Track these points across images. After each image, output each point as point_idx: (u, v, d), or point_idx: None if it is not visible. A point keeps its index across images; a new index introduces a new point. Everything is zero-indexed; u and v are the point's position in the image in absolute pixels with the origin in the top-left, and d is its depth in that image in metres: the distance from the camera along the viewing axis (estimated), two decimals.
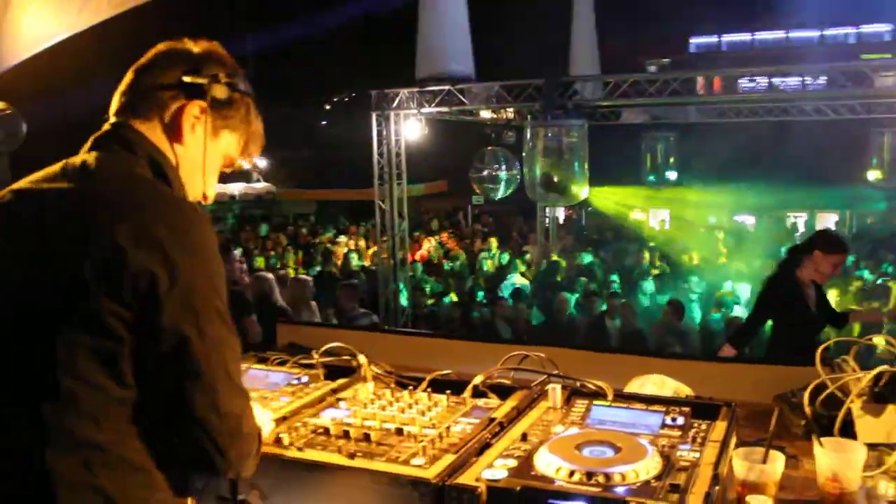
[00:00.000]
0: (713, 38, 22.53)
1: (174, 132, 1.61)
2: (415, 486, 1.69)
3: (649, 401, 2.13)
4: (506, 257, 13.11)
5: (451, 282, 11.23)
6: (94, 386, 1.40)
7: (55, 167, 1.57)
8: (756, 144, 16.06)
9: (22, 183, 1.58)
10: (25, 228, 1.50)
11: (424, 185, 19.35)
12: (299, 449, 1.90)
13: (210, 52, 1.65)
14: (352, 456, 1.83)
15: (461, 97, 9.66)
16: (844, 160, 15.03)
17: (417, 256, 13.79)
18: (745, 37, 22.03)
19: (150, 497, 1.48)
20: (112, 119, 1.62)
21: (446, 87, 9.59)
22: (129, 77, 1.63)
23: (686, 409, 2.04)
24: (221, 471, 1.52)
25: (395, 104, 10.06)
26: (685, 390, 2.38)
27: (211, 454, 1.47)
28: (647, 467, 1.67)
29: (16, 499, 1.41)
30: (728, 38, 22.39)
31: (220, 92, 1.63)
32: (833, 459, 1.80)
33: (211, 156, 1.68)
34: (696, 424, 1.97)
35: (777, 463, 1.79)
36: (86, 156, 1.57)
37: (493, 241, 14.33)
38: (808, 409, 2.12)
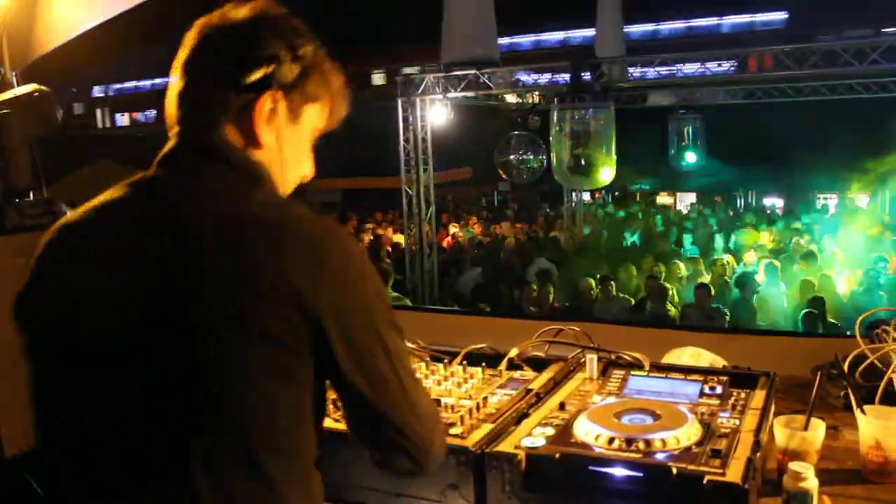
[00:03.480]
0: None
1: (251, 136, 1.36)
2: (453, 455, 1.69)
3: (687, 371, 2.12)
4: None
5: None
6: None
7: (123, 190, 1.35)
8: (784, 126, 15.85)
9: (87, 211, 1.35)
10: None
11: (450, 172, 19.33)
12: (336, 420, 1.91)
13: (261, 22, 1.35)
14: None
15: (487, 81, 9.63)
16: (876, 140, 14.77)
17: (444, 243, 13.79)
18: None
19: None
20: (178, 130, 1.38)
21: (472, 72, 9.57)
22: (181, 79, 1.37)
23: (724, 378, 2.03)
24: (427, 471, 1.44)
25: (420, 89, 10.05)
26: (721, 363, 2.36)
27: (418, 459, 1.39)
28: (688, 434, 1.66)
29: None
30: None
31: (289, 73, 1.35)
32: (876, 427, 1.78)
33: (300, 141, 1.45)
34: (734, 393, 1.96)
35: (818, 430, 1.78)
36: (171, 175, 1.35)
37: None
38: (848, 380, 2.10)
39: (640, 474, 1.56)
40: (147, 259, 1.25)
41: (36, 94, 2.75)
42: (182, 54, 1.37)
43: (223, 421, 1.23)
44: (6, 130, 2.45)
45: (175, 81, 1.38)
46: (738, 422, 1.78)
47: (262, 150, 1.38)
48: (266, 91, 1.34)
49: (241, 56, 1.33)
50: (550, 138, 10.23)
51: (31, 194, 2.78)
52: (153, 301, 1.23)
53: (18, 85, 2.95)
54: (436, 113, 10.60)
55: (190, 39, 1.37)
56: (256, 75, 1.33)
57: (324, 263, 1.26)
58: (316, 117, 1.46)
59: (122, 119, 32.09)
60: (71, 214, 1.37)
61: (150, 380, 1.23)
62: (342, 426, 1.87)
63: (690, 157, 16.56)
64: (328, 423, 1.90)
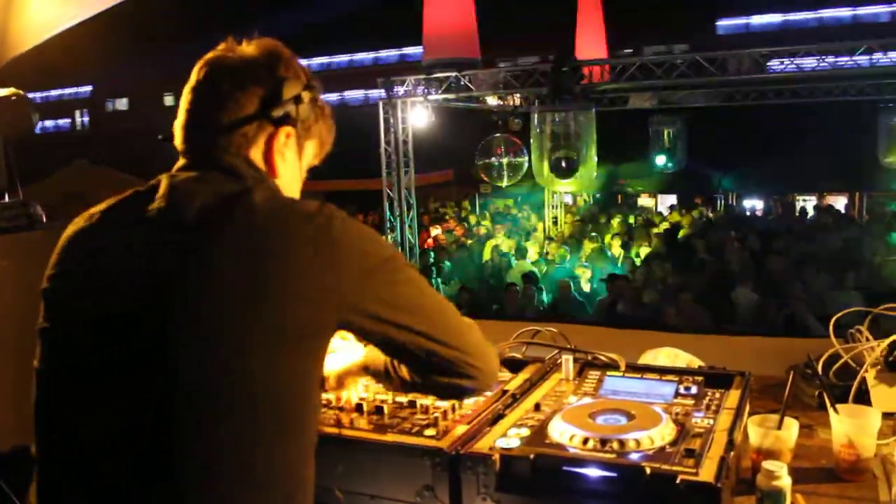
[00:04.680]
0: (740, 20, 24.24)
1: (269, 164, 1.47)
2: (428, 456, 1.69)
3: (662, 371, 2.12)
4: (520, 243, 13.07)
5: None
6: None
7: (135, 200, 1.40)
8: (764, 128, 15.98)
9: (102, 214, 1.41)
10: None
11: (431, 174, 19.31)
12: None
13: (279, 63, 1.46)
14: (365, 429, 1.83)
15: (468, 83, 9.63)
16: (853, 142, 14.90)
17: (425, 244, 13.77)
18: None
19: None
20: (190, 147, 1.46)
21: (453, 74, 9.57)
22: (193, 107, 1.45)
23: (699, 378, 2.04)
24: (490, 384, 1.55)
25: (401, 92, 10.05)
26: (698, 363, 2.37)
27: (478, 376, 1.48)
28: (662, 434, 1.67)
29: None
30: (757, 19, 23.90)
31: (306, 113, 1.49)
32: (848, 425, 1.80)
33: (301, 174, 1.57)
34: (709, 393, 1.97)
35: (792, 429, 1.79)
36: (188, 182, 1.39)
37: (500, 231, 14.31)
38: (821, 380, 2.11)
39: (614, 474, 1.56)
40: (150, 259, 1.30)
41: (13, 97, 2.73)
42: (198, 84, 1.45)
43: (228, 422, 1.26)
44: None
45: (190, 107, 1.45)
46: (712, 421, 1.78)
47: (276, 178, 1.49)
48: (283, 125, 1.47)
49: (267, 94, 1.43)
50: (531, 140, 10.26)
51: (6, 196, 2.75)
52: (154, 308, 1.27)
53: None
54: (417, 115, 10.59)
55: (205, 71, 1.45)
56: (281, 111, 1.45)
57: (337, 245, 1.33)
58: (314, 152, 1.59)
59: None
60: (80, 220, 1.42)
61: (151, 383, 1.25)
62: (326, 429, 1.87)
63: (670, 160, 16.65)
64: (324, 428, 1.89)
